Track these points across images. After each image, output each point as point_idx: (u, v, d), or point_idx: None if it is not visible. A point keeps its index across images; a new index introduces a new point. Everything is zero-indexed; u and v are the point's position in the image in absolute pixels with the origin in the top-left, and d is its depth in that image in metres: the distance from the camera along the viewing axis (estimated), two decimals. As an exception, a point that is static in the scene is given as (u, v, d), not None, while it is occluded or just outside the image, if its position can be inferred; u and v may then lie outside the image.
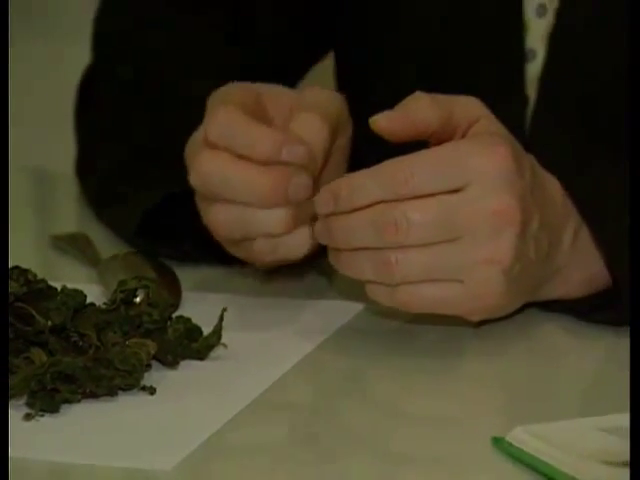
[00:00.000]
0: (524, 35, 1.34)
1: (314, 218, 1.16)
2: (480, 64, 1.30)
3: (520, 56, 1.34)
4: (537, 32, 1.34)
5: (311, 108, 1.18)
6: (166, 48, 1.38)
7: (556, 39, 1.33)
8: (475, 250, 1.11)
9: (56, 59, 1.56)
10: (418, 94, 1.14)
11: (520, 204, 1.11)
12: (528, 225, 1.12)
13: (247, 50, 1.37)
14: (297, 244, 1.17)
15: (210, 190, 1.16)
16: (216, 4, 1.41)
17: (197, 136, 1.20)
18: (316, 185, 1.17)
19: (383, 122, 1.13)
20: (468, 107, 1.14)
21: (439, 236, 1.10)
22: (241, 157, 1.14)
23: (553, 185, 1.16)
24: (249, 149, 1.14)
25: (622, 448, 0.96)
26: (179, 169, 1.25)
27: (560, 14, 1.32)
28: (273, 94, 1.22)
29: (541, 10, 1.33)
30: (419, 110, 1.13)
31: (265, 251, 1.17)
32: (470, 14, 1.34)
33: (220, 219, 1.17)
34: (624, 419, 1.01)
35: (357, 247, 1.11)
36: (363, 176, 1.11)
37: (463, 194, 1.10)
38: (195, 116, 1.24)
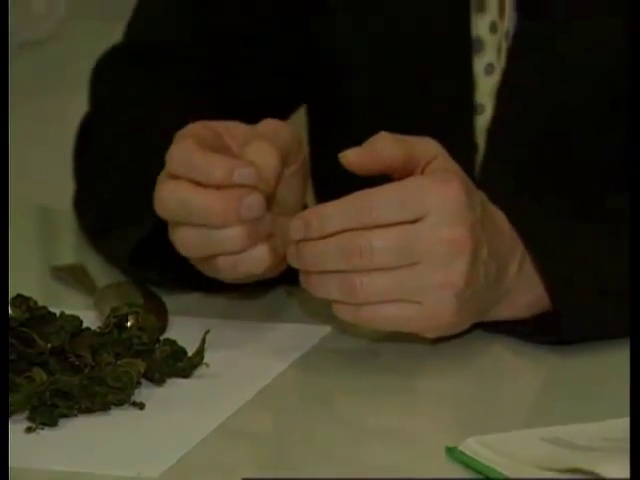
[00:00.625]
0: (474, 91, 1.32)
1: (270, 235, 1.16)
2: (434, 115, 1.29)
3: (470, 110, 1.34)
4: (485, 88, 1.34)
5: (262, 137, 1.18)
6: (152, 106, 1.39)
7: (502, 95, 1.32)
8: (431, 274, 1.11)
9: (58, 108, 1.55)
10: (383, 134, 1.14)
11: (471, 234, 1.11)
12: (478, 253, 1.12)
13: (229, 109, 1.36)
14: (256, 259, 1.16)
15: (173, 215, 1.17)
16: (203, 75, 1.40)
17: (163, 172, 1.19)
18: (270, 205, 1.18)
19: (352, 157, 1.13)
20: (427, 146, 1.14)
21: (399, 261, 1.10)
22: (199, 184, 1.14)
23: (501, 218, 1.16)
24: (204, 176, 1.14)
25: (562, 456, 0.96)
26: None
27: (506, 73, 1.31)
28: (229, 127, 1.22)
29: (489, 68, 1.33)
30: (384, 148, 1.13)
31: (228, 267, 1.16)
32: (424, 71, 1.34)
33: (185, 241, 1.17)
34: (564, 431, 1.01)
35: (326, 270, 1.11)
36: (332, 206, 1.11)
37: (421, 224, 1.10)
38: None
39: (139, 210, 1.28)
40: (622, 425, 1.02)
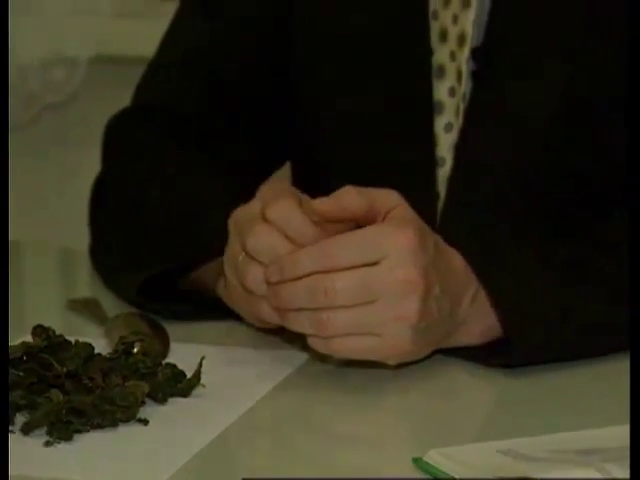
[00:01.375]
0: (435, 146, 1.32)
1: None
2: (401, 168, 1.29)
3: (432, 163, 1.33)
4: (445, 144, 1.33)
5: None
6: (155, 162, 1.38)
7: (460, 150, 1.32)
8: (388, 310, 1.10)
9: (77, 161, 1.55)
10: (348, 187, 1.14)
11: (423, 275, 1.10)
12: (430, 291, 1.12)
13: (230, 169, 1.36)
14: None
15: (258, 253, 1.14)
16: (202, 134, 1.40)
17: (249, 210, 1.16)
18: None
19: (320, 207, 1.13)
20: (387, 197, 1.14)
21: (360, 299, 1.10)
22: (287, 237, 1.13)
23: (456, 258, 1.16)
24: (297, 235, 1.12)
25: (513, 466, 0.96)
26: (164, 252, 1.28)
27: (463, 131, 1.31)
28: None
29: (448, 127, 1.32)
30: (348, 199, 1.13)
31: (269, 316, 1.16)
32: (393, 130, 1.34)
33: (255, 276, 1.14)
34: (515, 443, 1.01)
35: (298, 308, 1.10)
36: (302, 252, 1.11)
37: (379, 266, 1.10)
38: (177, 217, 1.28)
39: (145, 255, 1.29)
40: (567, 437, 1.02)
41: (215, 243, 1.22)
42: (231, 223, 1.18)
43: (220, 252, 1.21)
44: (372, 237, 1.11)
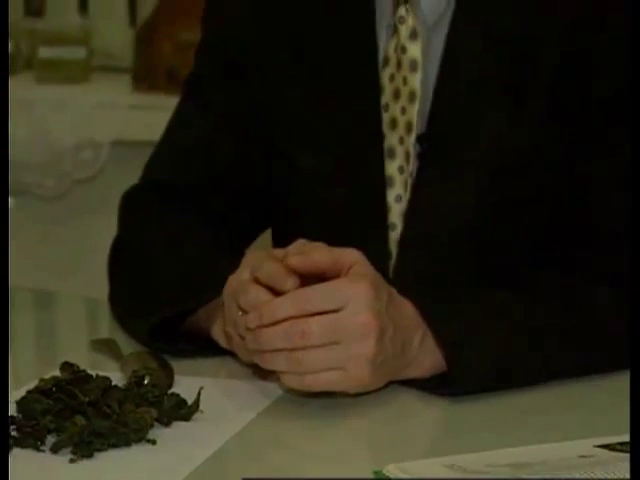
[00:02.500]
0: (387, 214, 1.32)
1: None
2: (360, 231, 1.28)
3: (385, 228, 1.32)
4: (396, 212, 1.32)
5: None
6: (161, 230, 1.37)
7: (408, 217, 1.31)
8: (351, 349, 1.09)
9: (102, 226, 1.54)
10: (319, 244, 1.14)
11: (378, 319, 1.10)
12: (384, 332, 1.11)
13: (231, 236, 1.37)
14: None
15: (251, 307, 1.12)
16: (200, 206, 1.39)
17: (239, 277, 1.15)
18: None
19: (295, 261, 1.12)
20: (350, 255, 1.13)
21: (328, 340, 1.09)
22: (273, 292, 1.12)
23: (406, 306, 1.15)
24: (282, 287, 1.11)
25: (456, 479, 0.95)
26: (165, 302, 1.26)
27: (411, 201, 1.30)
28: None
29: (398, 198, 1.32)
30: (318, 254, 1.13)
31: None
32: (352, 200, 1.33)
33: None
34: (458, 459, 0.99)
35: (276, 349, 1.09)
36: (279, 300, 1.10)
37: (342, 312, 1.09)
38: (198, 272, 1.26)
39: (151, 304, 1.28)
40: (500, 454, 1.01)
41: (205, 293, 1.22)
42: (225, 289, 1.17)
43: (208, 300, 1.21)
44: (336, 288, 1.11)
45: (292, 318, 1.08)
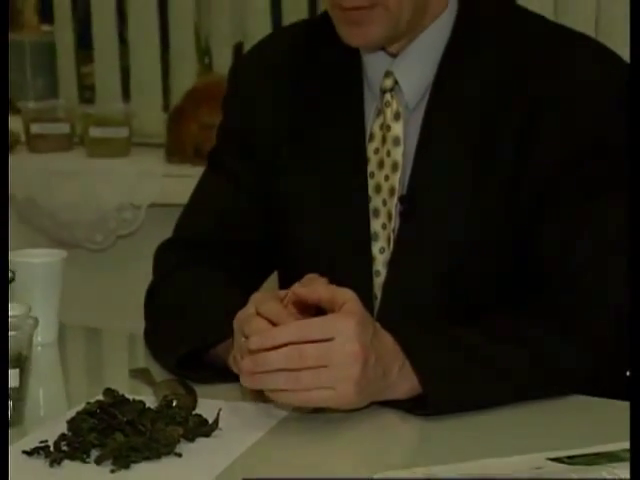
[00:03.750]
0: (372, 263, 1.30)
1: None
2: (349, 277, 1.23)
3: (370, 274, 1.31)
4: (380, 262, 1.30)
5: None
6: (188, 277, 1.36)
7: (391, 266, 1.29)
8: (340, 372, 1.09)
9: (140, 274, 1.52)
10: (322, 279, 1.16)
11: (363, 349, 1.09)
12: (368, 360, 1.10)
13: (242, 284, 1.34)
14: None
15: (251, 332, 1.12)
16: (219, 258, 1.37)
17: (245, 312, 1.15)
18: None
19: (301, 292, 1.13)
20: (344, 294, 1.12)
21: (321, 363, 1.08)
22: (272, 323, 1.12)
23: (388, 339, 1.14)
24: (278, 320, 1.11)
25: None
26: (190, 338, 1.25)
27: (393, 253, 1.29)
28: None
29: (382, 250, 1.30)
30: (319, 286, 1.14)
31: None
32: (343, 252, 1.31)
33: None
34: (436, 469, 0.97)
35: (276, 369, 1.08)
36: (280, 328, 1.10)
37: (333, 342, 1.09)
38: (217, 313, 1.24)
39: (178, 340, 1.26)
40: (470, 466, 0.99)
41: (222, 331, 1.20)
42: (234, 321, 1.17)
43: (225, 337, 1.20)
44: (330, 321, 1.10)
45: (291, 344, 1.08)
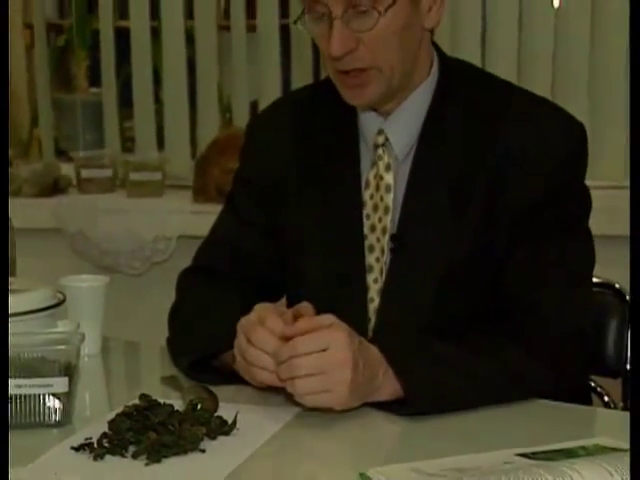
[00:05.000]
0: (367, 291, 1.29)
1: None
2: (345, 302, 1.25)
3: (365, 301, 1.29)
4: (374, 290, 1.28)
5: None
6: (204, 298, 1.34)
7: (383, 294, 1.28)
8: (335, 377, 1.08)
9: (169, 296, 1.51)
10: (310, 309, 1.16)
11: (352, 357, 1.09)
12: (357, 365, 1.09)
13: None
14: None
15: (259, 343, 1.12)
16: (234, 283, 1.35)
17: (249, 319, 1.15)
18: None
19: (289, 331, 1.11)
20: (328, 317, 1.12)
21: (319, 370, 1.08)
22: (274, 332, 1.12)
23: (372, 349, 1.13)
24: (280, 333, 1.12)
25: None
26: (201, 346, 1.25)
27: (386, 283, 1.28)
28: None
29: (375, 280, 1.28)
30: (302, 323, 1.12)
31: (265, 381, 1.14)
32: (342, 280, 1.29)
33: (256, 356, 1.13)
34: (421, 464, 0.96)
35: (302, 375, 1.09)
36: (299, 341, 1.09)
37: (327, 352, 1.09)
38: (224, 328, 1.21)
39: (191, 348, 1.26)
40: (450, 461, 0.97)
41: (229, 341, 1.19)
42: (239, 326, 1.16)
43: (231, 346, 1.18)
44: (322, 335, 1.09)
45: (293, 357, 1.08)
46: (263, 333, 1.12)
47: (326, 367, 1.08)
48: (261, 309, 1.15)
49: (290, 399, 1.13)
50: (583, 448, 0.98)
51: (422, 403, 1.11)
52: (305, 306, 1.16)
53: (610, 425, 1.18)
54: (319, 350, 1.08)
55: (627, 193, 2.19)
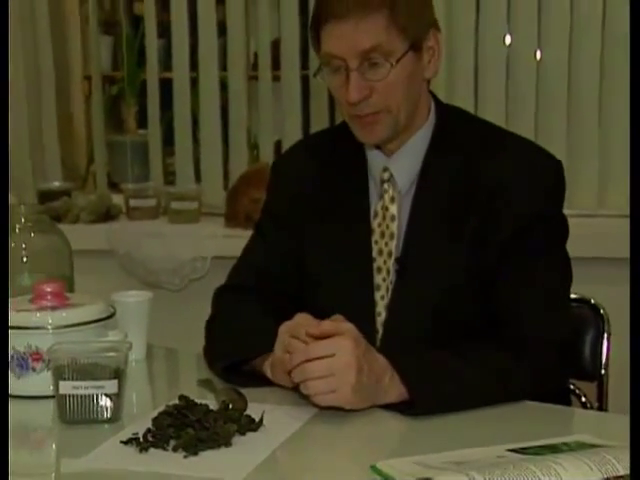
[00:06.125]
0: (375, 307, 1.28)
1: None
2: (355, 316, 1.18)
3: (373, 315, 1.27)
4: (381, 305, 1.27)
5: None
6: (238, 312, 1.32)
7: (390, 309, 1.27)
8: (341, 379, 1.07)
9: (205, 309, 1.50)
10: (340, 317, 1.14)
11: (357, 361, 1.08)
12: (362, 370, 1.08)
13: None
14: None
15: (293, 349, 1.12)
16: (264, 298, 1.34)
17: (283, 329, 1.15)
18: None
19: (314, 331, 1.10)
20: (345, 324, 1.11)
21: (328, 372, 1.07)
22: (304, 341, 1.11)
23: (379, 356, 1.12)
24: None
25: (421, 471, 0.89)
26: (233, 352, 1.23)
27: (391, 300, 1.27)
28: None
29: (382, 297, 1.27)
30: (326, 323, 1.11)
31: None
32: (355, 294, 1.28)
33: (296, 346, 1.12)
34: (423, 458, 0.94)
35: (313, 377, 1.08)
36: (310, 347, 1.09)
37: (335, 357, 1.08)
38: (253, 338, 1.22)
39: (224, 354, 1.24)
40: (449, 455, 0.96)
41: (259, 348, 1.19)
42: (281, 327, 1.15)
43: (260, 353, 1.18)
44: (329, 343, 1.08)
45: (307, 361, 1.08)
46: (296, 344, 1.11)
47: (334, 370, 1.07)
48: (300, 317, 1.15)
49: (309, 400, 1.11)
50: (566, 444, 0.96)
51: (425, 404, 1.09)
52: (337, 317, 1.14)
53: (587, 423, 1.17)
54: (327, 355, 1.07)
55: (599, 220, 2.25)
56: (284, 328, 1.15)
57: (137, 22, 2.69)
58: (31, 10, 2.48)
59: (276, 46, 2.43)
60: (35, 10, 2.48)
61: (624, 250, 2.10)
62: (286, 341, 1.13)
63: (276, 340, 1.15)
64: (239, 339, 1.25)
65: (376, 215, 1.29)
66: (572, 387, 1.43)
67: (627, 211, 2.20)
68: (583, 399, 1.44)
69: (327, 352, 1.07)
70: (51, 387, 1.11)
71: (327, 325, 1.10)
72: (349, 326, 1.10)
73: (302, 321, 1.13)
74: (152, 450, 1.00)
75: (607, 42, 2.20)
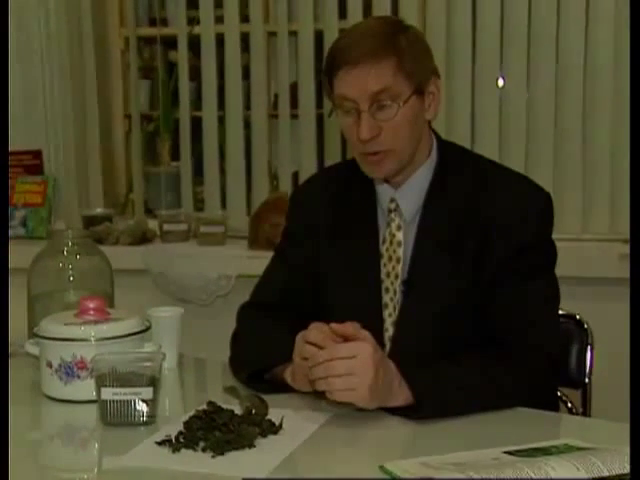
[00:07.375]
0: (383, 324, 1.27)
1: None
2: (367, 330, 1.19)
3: (381, 331, 1.27)
4: (389, 322, 1.27)
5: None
6: (259, 327, 1.32)
7: (397, 326, 1.26)
8: (359, 379, 1.06)
9: (230, 323, 1.49)
10: (357, 324, 1.12)
11: (374, 364, 1.07)
12: (379, 371, 1.07)
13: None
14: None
15: (310, 355, 1.11)
16: (284, 314, 1.33)
17: (299, 337, 1.14)
18: None
19: (338, 327, 1.11)
20: (363, 332, 1.10)
21: (349, 372, 1.07)
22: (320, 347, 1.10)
23: (390, 362, 1.11)
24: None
25: (425, 472, 0.89)
26: (257, 362, 1.22)
27: (398, 317, 1.26)
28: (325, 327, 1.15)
29: (390, 314, 1.27)
30: (349, 325, 1.11)
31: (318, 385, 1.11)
32: (363, 312, 1.25)
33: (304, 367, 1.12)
34: (428, 459, 0.94)
35: (335, 374, 1.07)
36: (334, 347, 1.08)
37: (356, 358, 1.07)
38: (275, 349, 1.21)
39: (248, 363, 1.24)
40: (450, 457, 0.95)
41: (279, 358, 1.19)
42: (298, 336, 1.15)
43: (280, 362, 1.18)
44: (353, 345, 1.08)
45: (328, 360, 1.07)
46: (309, 349, 1.11)
47: (354, 370, 1.06)
48: (314, 325, 1.14)
49: (324, 404, 1.11)
50: (555, 447, 0.95)
51: (429, 410, 1.08)
52: (355, 324, 1.13)
53: (573, 427, 1.16)
54: (350, 356, 1.06)
55: (583, 244, 2.24)
56: (300, 336, 1.14)
57: (171, 67, 2.72)
58: (81, 58, 2.52)
59: (294, 88, 2.46)
60: (84, 57, 2.53)
61: (606, 270, 2.14)
62: (302, 347, 1.12)
63: (294, 349, 1.15)
64: (261, 350, 1.25)
65: (384, 241, 1.29)
66: (560, 394, 1.42)
67: (608, 235, 2.23)
68: (569, 405, 1.44)
69: (349, 354, 1.06)
70: (94, 393, 1.12)
71: (350, 328, 1.10)
72: (368, 333, 1.10)
73: (316, 328, 1.12)
74: (183, 450, 1.00)
75: (588, 85, 2.22)
